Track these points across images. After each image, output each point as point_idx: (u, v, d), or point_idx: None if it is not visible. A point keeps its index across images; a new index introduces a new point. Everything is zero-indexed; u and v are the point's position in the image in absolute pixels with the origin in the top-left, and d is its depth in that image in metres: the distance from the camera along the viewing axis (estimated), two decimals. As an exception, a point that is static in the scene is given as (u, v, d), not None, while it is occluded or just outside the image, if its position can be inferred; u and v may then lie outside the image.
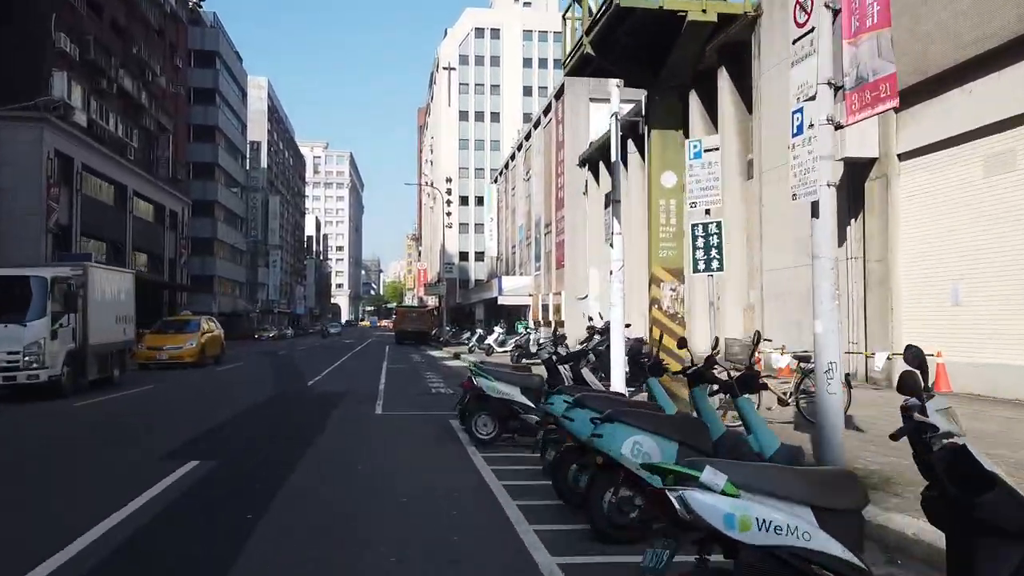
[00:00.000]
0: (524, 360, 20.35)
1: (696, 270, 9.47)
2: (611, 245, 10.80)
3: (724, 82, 20.05)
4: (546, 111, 41.06)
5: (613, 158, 10.73)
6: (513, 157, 52.18)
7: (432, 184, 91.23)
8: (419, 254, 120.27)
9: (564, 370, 9.33)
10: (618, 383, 9.90)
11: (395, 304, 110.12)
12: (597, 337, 13.31)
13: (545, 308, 40.24)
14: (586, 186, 35.03)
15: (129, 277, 16.70)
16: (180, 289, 49.99)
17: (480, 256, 75.04)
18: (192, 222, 58.52)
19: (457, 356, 29.39)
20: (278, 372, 20.95)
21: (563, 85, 36.46)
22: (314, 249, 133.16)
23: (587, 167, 34.50)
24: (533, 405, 8.29)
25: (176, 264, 50.14)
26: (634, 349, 10.26)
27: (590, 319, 14.23)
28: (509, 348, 26.98)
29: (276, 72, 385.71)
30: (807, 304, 15.97)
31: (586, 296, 35.40)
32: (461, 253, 75.13)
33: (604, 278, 34.64)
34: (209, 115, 61.95)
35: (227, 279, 67.14)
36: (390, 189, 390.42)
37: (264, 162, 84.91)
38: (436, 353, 34.49)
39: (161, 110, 45.90)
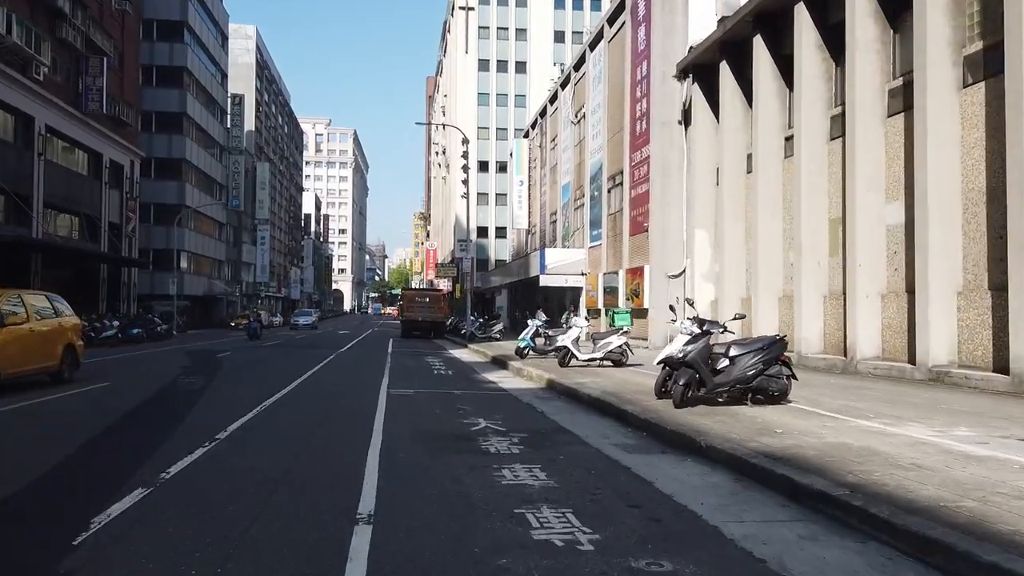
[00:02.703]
0: (714, 395, 8.92)
1: None
2: None
3: None
4: (612, 18, 29.67)
5: None
6: (554, 99, 40.71)
7: (443, 151, 79.70)
8: (427, 234, 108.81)
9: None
10: None
11: (400, 289, 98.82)
12: None
13: (609, 291, 28.98)
14: (687, 108, 23.74)
15: None
16: (125, 263, 38.94)
17: (502, 232, 63.52)
18: (153, 185, 47.56)
19: (500, 363, 18.23)
20: (128, 429, 8.11)
21: (648, -34, 25.02)
22: (312, 229, 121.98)
23: (692, 79, 23.20)
24: None
25: (121, 231, 39.09)
26: None
27: None
28: (599, 355, 15.69)
29: (278, 51, 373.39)
30: None
31: (682, 272, 24.14)
32: (479, 229, 63.52)
33: (716, 243, 23.41)
34: (176, 54, 50.67)
35: (200, 255, 55.99)
36: (395, 173, 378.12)
37: (251, 122, 73.57)
38: (463, 355, 23.34)
39: (95, 25, 34.68)
